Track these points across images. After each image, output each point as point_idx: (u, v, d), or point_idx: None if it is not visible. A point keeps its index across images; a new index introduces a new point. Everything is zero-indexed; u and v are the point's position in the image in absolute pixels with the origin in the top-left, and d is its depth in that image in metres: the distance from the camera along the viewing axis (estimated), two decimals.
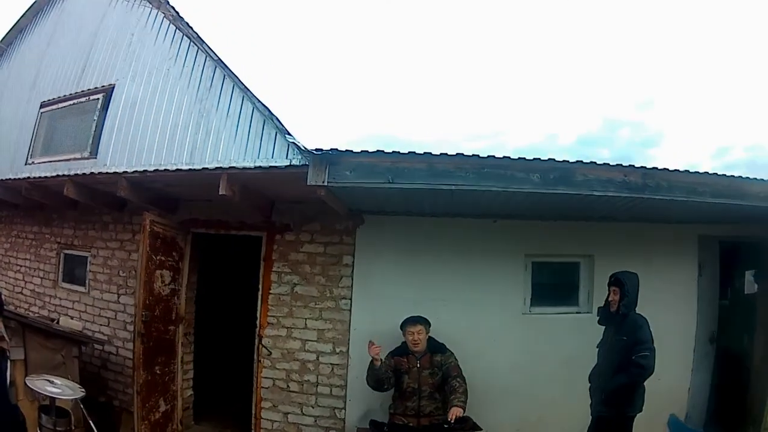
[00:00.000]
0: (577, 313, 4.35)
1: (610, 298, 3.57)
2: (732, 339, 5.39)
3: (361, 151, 3.48)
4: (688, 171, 3.92)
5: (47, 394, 3.57)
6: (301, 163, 3.51)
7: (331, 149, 3.47)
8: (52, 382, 3.69)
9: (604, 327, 3.69)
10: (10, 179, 5.23)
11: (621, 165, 3.72)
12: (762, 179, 4.08)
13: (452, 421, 3.43)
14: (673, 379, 4.36)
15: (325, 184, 3.42)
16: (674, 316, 4.45)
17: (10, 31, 6.18)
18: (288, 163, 3.56)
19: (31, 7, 5.99)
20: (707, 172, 3.97)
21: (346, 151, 3.47)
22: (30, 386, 3.60)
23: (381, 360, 3.64)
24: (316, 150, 3.47)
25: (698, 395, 4.65)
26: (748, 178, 4.01)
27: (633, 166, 3.74)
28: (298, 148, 3.52)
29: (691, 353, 4.64)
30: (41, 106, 5.31)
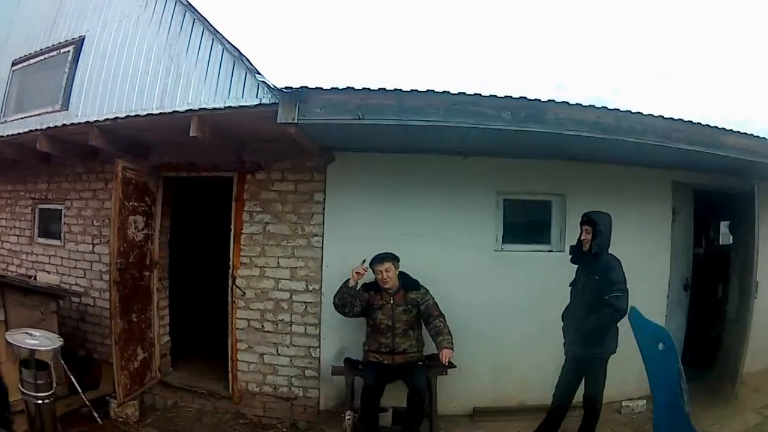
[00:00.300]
0: (549, 251, 4.40)
1: (582, 237, 3.59)
2: (706, 288, 5.49)
3: (331, 88, 3.49)
4: (662, 116, 3.96)
5: (26, 346, 3.58)
6: (270, 102, 3.51)
7: (301, 87, 3.48)
8: (30, 335, 3.71)
9: (576, 266, 3.74)
10: None
11: (594, 106, 3.75)
12: (737, 131, 4.15)
13: (447, 364, 3.53)
14: None
15: (295, 121, 3.44)
16: (648, 260, 4.49)
17: None
18: (258, 102, 3.57)
19: None
20: (682, 119, 3.99)
21: (316, 88, 3.48)
22: (10, 341, 3.62)
23: (357, 283, 3.68)
24: (286, 88, 3.48)
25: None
26: (723, 128, 4.08)
27: (606, 107, 3.78)
28: (268, 86, 3.53)
29: (664, 299, 4.69)
30: (12, 65, 5.27)
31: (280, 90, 3.48)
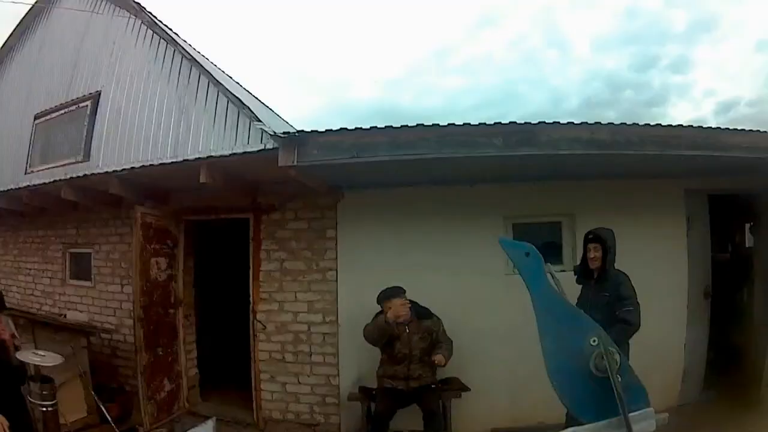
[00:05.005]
0: (561, 271, 4.44)
1: (591, 255, 3.73)
2: (731, 294, 5.52)
3: (326, 131, 3.90)
4: (659, 124, 4.11)
5: (31, 362, 3.94)
6: (272, 147, 3.96)
7: (298, 131, 3.92)
8: (36, 354, 4.05)
9: (581, 285, 3.89)
10: (12, 189, 5.88)
11: (587, 123, 3.97)
12: (742, 129, 4.20)
13: (436, 362, 3.88)
14: (668, 336, 4.53)
15: (295, 164, 3.86)
16: (664, 272, 4.59)
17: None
18: (261, 148, 4.03)
19: (17, 26, 6.64)
20: (681, 125, 4.15)
21: (312, 131, 3.91)
22: (20, 358, 3.98)
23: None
24: (284, 133, 3.92)
25: (695, 351, 4.79)
26: (727, 129, 4.17)
27: (600, 123, 3.98)
28: (268, 133, 3.98)
29: (684, 309, 4.76)
30: (35, 118, 5.95)
31: (279, 135, 3.92)
